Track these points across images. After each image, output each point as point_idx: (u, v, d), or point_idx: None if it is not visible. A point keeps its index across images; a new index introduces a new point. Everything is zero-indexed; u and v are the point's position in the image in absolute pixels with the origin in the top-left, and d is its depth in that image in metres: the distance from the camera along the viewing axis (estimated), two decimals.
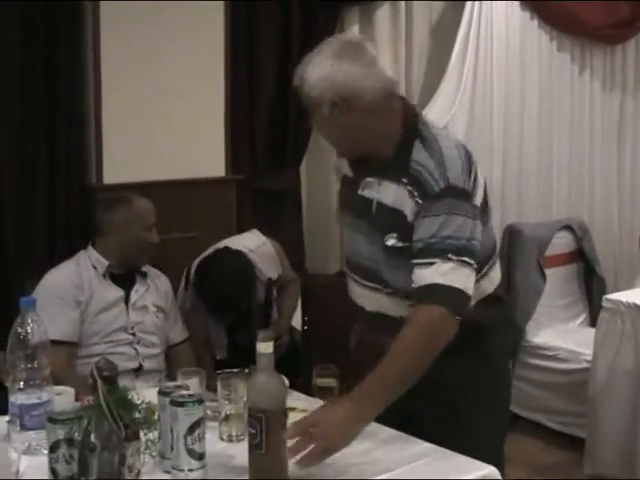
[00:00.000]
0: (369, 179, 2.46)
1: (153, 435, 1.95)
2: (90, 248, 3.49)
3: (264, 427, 1.97)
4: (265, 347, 2.01)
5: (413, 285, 2.29)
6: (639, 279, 5.17)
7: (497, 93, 5.69)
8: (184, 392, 2.09)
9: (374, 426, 2.23)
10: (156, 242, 3.53)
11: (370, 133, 2.38)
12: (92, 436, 1.83)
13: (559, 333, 5.11)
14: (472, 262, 2.29)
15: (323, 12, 4.85)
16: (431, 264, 2.26)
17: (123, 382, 2.92)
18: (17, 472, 2.00)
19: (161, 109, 4.27)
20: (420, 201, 2.32)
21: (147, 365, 3.46)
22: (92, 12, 4.05)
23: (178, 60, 4.29)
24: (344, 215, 2.63)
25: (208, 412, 2.39)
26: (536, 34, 5.92)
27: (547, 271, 5.10)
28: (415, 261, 2.30)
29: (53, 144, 4.02)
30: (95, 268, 3.44)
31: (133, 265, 3.52)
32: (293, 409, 2.50)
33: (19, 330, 2.21)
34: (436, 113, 5.36)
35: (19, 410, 2.21)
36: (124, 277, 3.50)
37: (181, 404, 2.01)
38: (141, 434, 1.92)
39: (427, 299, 2.26)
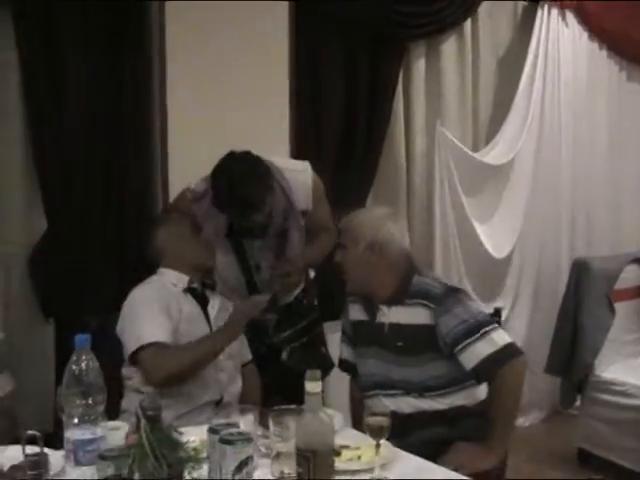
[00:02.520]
0: (380, 308, 3.06)
1: (197, 474, 1.95)
2: (162, 270, 3.40)
3: (312, 466, 1.98)
4: (313, 387, 2.01)
5: (473, 363, 2.88)
6: None
7: (565, 123, 5.65)
8: (233, 430, 2.10)
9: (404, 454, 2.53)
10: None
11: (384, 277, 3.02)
12: (136, 475, 1.84)
13: (628, 368, 4.98)
14: (495, 324, 2.96)
15: (390, 46, 4.86)
16: (477, 340, 2.87)
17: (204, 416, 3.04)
18: None
19: (226, 137, 4.22)
20: (433, 305, 2.92)
21: (227, 397, 3.28)
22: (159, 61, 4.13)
23: (241, 95, 4.31)
24: (359, 350, 3.20)
25: (262, 449, 2.40)
26: (605, 64, 5.89)
27: (616, 305, 4.99)
28: (458, 347, 2.89)
29: (123, 180, 4.05)
30: (175, 285, 3.34)
31: (208, 266, 3.47)
32: (346, 447, 2.51)
33: (74, 367, 2.26)
34: (504, 144, 5.35)
35: (73, 445, 2.25)
36: (199, 295, 3.40)
37: (230, 442, 2.03)
38: (185, 473, 1.91)
39: (499, 366, 2.86)
